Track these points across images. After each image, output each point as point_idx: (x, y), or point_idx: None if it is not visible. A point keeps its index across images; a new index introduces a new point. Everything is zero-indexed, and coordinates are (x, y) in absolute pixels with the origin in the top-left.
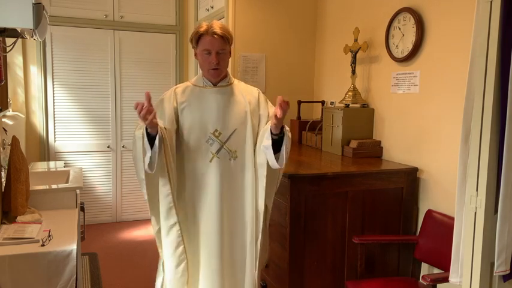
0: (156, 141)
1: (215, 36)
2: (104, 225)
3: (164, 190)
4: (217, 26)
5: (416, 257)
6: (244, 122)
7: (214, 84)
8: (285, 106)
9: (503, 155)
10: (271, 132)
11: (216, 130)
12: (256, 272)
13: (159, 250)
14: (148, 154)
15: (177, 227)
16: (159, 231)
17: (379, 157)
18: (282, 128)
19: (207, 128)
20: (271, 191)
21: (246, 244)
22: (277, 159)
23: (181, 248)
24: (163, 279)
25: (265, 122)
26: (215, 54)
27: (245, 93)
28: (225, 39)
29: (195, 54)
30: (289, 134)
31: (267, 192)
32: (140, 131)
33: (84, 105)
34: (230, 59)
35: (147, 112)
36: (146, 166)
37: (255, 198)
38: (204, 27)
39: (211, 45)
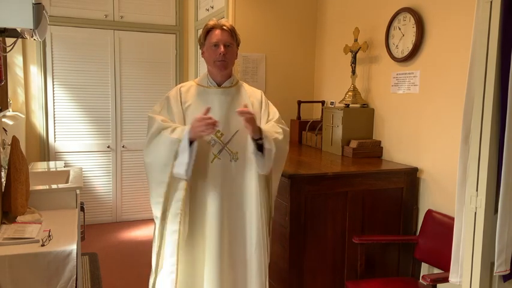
0: (195, 147)
1: (224, 28)
2: (104, 225)
3: (178, 195)
4: (226, 22)
5: (416, 257)
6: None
7: (219, 85)
8: (243, 114)
9: (503, 155)
10: (253, 138)
11: (218, 131)
12: (264, 274)
13: (158, 251)
14: (186, 160)
15: (176, 235)
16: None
17: (379, 157)
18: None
19: None
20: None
21: (246, 246)
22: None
23: (174, 258)
24: (155, 279)
25: (264, 124)
26: (223, 46)
27: (249, 95)
28: (233, 34)
29: (202, 53)
30: (279, 137)
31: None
32: (174, 135)
33: (84, 105)
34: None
35: (214, 125)
36: (182, 170)
37: (257, 200)
38: (214, 21)
39: (220, 37)
